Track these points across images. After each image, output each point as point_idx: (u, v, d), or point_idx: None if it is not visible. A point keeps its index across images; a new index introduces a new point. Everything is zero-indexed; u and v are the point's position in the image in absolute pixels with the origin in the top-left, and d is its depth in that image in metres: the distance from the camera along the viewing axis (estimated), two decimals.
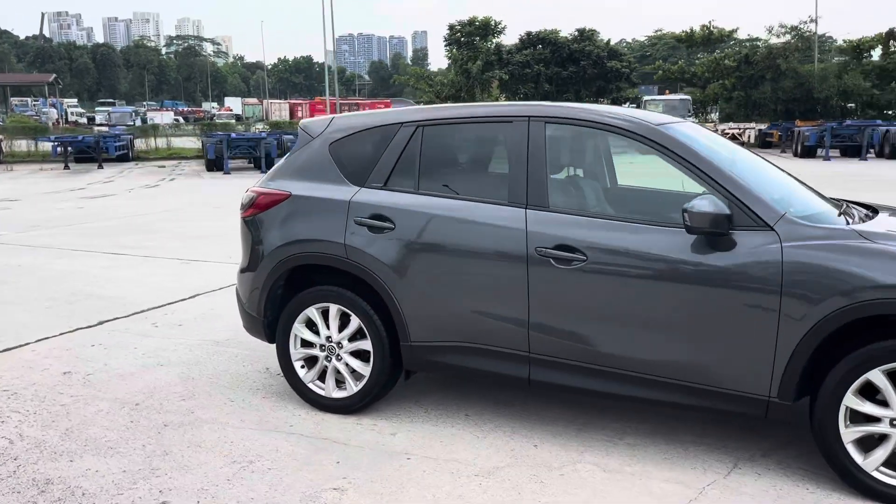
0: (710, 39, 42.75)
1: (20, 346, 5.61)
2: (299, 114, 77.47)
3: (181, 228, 11.85)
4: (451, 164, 4.24)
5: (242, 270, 4.52)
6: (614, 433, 3.93)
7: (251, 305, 4.41)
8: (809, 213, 3.48)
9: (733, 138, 34.84)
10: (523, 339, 3.71)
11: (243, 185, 20.39)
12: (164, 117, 67.02)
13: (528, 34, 42.08)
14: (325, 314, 4.19)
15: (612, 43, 43.39)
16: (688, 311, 3.38)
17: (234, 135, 25.94)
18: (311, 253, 4.14)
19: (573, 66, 40.82)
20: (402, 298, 3.92)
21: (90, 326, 6.16)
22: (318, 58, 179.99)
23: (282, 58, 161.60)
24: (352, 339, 4.15)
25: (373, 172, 4.11)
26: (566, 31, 42.11)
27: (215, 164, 24.55)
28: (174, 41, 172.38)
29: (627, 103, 45.20)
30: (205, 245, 10.23)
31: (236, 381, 4.82)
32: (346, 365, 4.17)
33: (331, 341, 4.19)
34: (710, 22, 41.65)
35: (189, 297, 7.12)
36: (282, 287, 4.33)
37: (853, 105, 39.05)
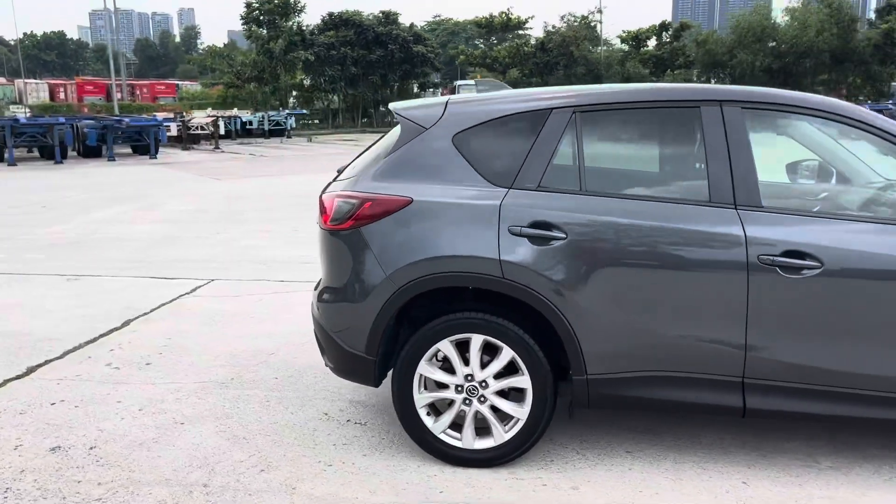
0: (508, 26, 44.26)
1: None
2: (61, 95, 69.39)
3: (25, 235, 9.81)
4: (621, 158, 3.59)
5: (334, 299, 3.53)
6: (804, 455, 3.54)
7: (354, 342, 3.45)
8: None
9: None
10: (737, 363, 3.19)
11: (43, 178, 17.69)
12: None
13: (331, 15, 40.76)
14: (459, 348, 3.38)
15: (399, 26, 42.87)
16: None
17: (22, 119, 22.39)
18: (452, 273, 3.29)
19: (381, 49, 40.15)
20: (578, 323, 3.23)
21: (21, 376, 4.68)
22: (72, 33, 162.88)
23: (28, 33, 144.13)
24: (498, 375, 3.38)
25: (522, 170, 3.34)
26: (363, 13, 40.97)
27: None
28: None
29: (432, 89, 45.56)
30: (77, 254, 8.51)
31: (305, 435, 3.81)
32: (491, 407, 3.40)
33: (471, 380, 3.38)
34: (508, 9, 43.15)
35: (121, 326, 5.73)
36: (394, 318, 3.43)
37: None
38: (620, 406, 3.39)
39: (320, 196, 3.73)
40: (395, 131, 3.81)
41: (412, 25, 41.24)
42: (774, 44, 41.17)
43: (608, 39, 47.05)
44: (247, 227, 10.31)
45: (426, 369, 3.41)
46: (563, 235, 3.22)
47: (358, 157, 4.02)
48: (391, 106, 3.76)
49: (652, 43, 43.78)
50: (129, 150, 25.00)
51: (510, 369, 3.37)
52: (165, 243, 9.21)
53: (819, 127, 3.51)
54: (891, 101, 34.30)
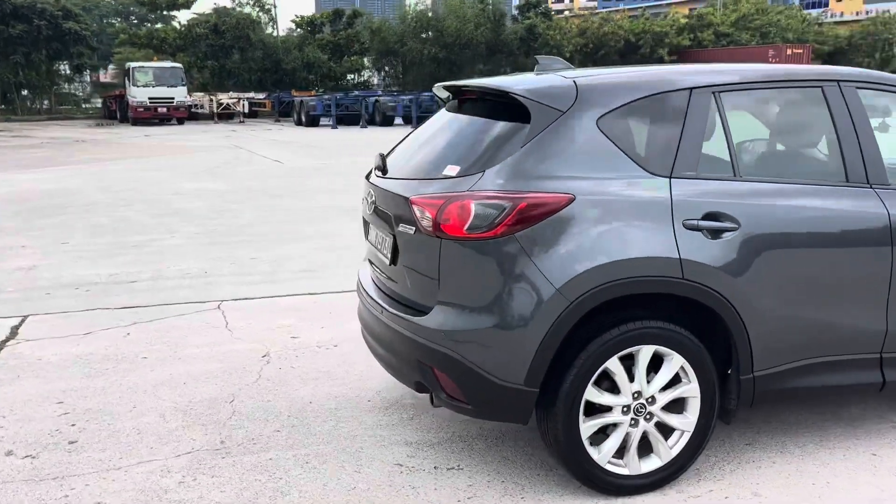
0: (175, 4, 40.84)
1: None
2: None
3: None
4: (759, 141, 3.35)
5: (476, 323, 2.83)
6: (877, 418, 3.73)
7: (510, 373, 2.81)
8: None
9: (227, 108, 34.38)
10: (878, 339, 3.24)
11: None
12: None
13: None
14: (623, 362, 2.95)
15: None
16: None
17: None
18: (630, 279, 2.82)
19: (22, 24, 34.24)
20: (750, 320, 3.01)
21: None
22: None
23: None
24: (664, 387, 3.02)
25: (678, 156, 2.99)
26: None
27: None
28: None
29: (88, 71, 40.46)
30: None
31: (411, 497, 3.04)
32: (657, 424, 3.03)
33: (639, 397, 2.97)
34: None
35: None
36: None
37: (313, 76, 42.23)
38: (777, 400, 3.27)
39: (413, 199, 2.96)
40: (460, 117, 3.27)
41: None
42: (439, 34, 43.94)
43: (252, 20, 45.64)
44: None
45: (593, 393, 2.91)
46: (735, 226, 2.96)
47: (404, 146, 3.37)
48: (519, 89, 3.04)
49: (327, 29, 43.83)
50: None
51: (680, 378, 3.04)
52: None
53: None
54: None
